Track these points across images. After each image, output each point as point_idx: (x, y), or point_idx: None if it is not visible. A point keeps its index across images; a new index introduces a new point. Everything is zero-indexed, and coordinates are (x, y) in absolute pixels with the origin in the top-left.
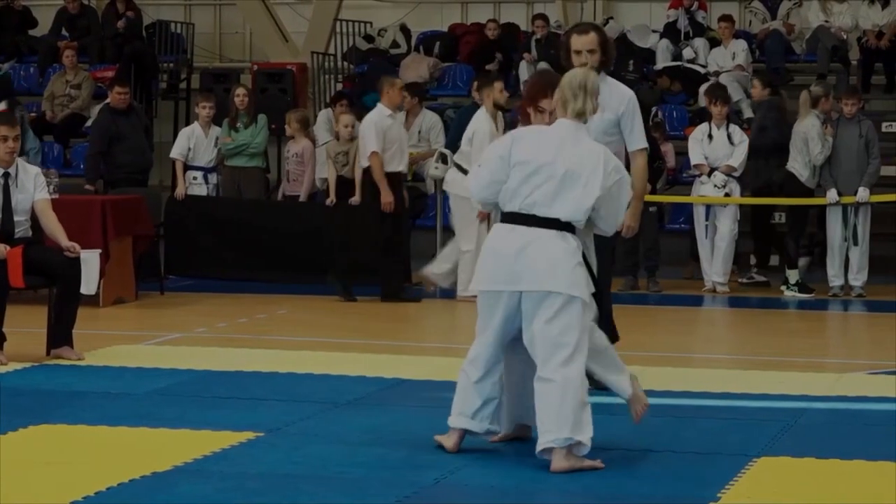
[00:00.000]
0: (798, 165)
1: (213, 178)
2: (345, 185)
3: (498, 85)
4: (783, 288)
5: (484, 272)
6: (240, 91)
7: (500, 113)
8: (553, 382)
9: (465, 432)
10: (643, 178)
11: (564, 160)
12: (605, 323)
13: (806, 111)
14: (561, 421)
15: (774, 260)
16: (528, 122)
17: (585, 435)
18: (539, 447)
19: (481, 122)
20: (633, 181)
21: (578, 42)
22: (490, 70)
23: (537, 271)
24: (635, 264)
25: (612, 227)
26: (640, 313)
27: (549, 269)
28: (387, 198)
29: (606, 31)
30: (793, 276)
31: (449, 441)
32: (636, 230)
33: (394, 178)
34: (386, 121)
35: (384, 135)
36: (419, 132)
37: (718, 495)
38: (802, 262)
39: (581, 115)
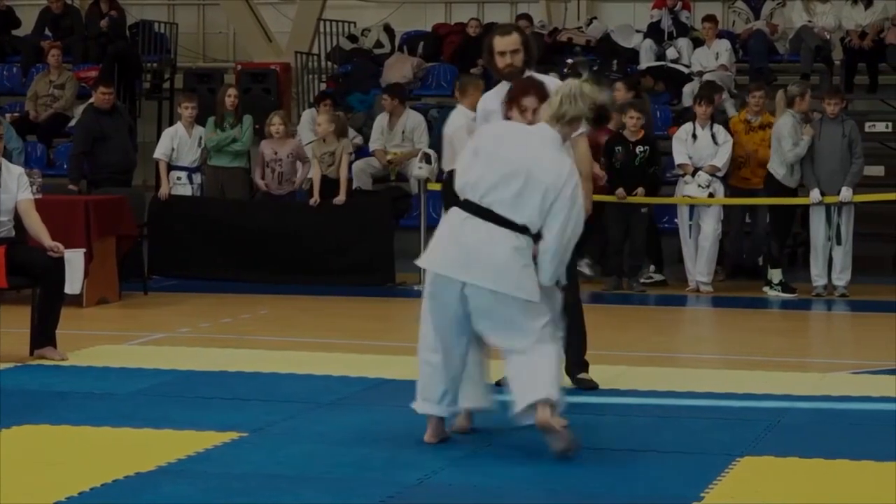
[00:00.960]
0: (775, 164)
1: (196, 178)
2: (329, 184)
3: None
4: (766, 288)
5: (437, 254)
6: (231, 91)
7: None
8: (525, 353)
9: (440, 419)
10: (588, 160)
11: (526, 163)
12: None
13: (781, 110)
14: (532, 382)
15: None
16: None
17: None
18: (521, 406)
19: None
20: (579, 165)
21: (501, 43)
22: (473, 73)
23: (487, 268)
24: (620, 264)
25: (557, 237)
26: (624, 313)
27: (498, 269)
28: None
29: (590, 30)
30: (776, 275)
31: (426, 433)
32: (590, 211)
33: None
34: (472, 125)
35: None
36: (403, 132)
37: (702, 495)
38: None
39: (559, 119)
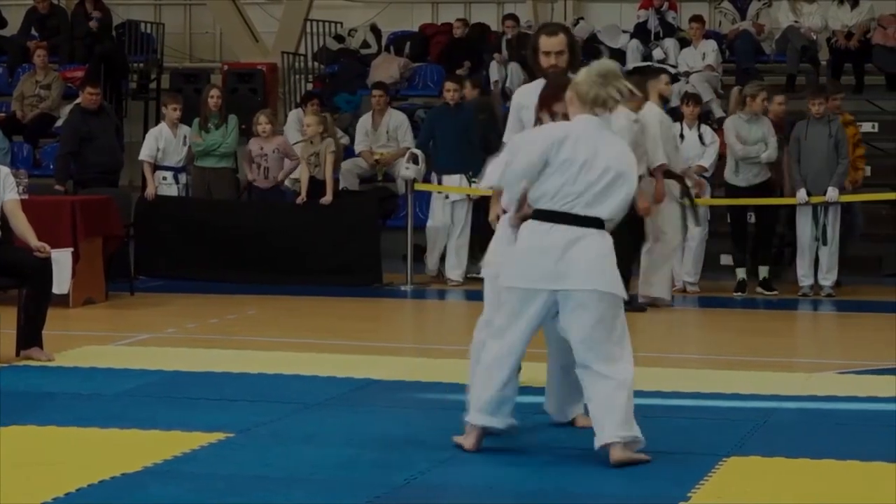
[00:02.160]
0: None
1: (182, 177)
2: (316, 185)
3: (664, 77)
4: (759, 288)
5: (521, 269)
6: (214, 92)
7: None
8: (610, 379)
9: (484, 430)
10: None
11: (604, 158)
12: None
13: (732, 110)
14: (624, 418)
15: (727, 259)
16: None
17: (638, 430)
18: (602, 441)
19: (652, 116)
20: None
21: (547, 43)
22: (460, 73)
23: (581, 270)
24: None
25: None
26: None
27: (593, 268)
28: (642, 202)
29: (577, 31)
30: (739, 273)
31: (469, 441)
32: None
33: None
34: (633, 125)
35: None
36: (387, 132)
37: (688, 495)
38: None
39: (602, 103)
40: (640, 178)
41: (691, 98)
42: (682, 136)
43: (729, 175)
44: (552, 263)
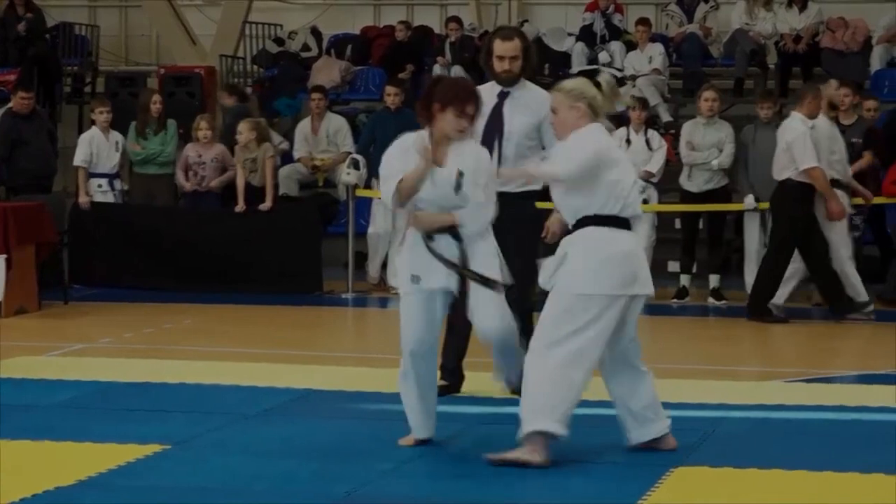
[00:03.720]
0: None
1: (117, 184)
2: (252, 191)
3: (834, 83)
4: (709, 298)
5: (612, 276)
6: (156, 98)
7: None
8: (649, 374)
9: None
10: None
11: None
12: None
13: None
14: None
15: (675, 266)
16: (431, 124)
17: None
18: (658, 433)
19: (822, 126)
20: None
21: (501, 48)
22: (402, 78)
23: (647, 275)
24: None
25: None
26: None
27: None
28: (837, 206)
29: None
30: (682, 279)
31: (540, 455)
32: None
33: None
34: (811, 132)
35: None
36: (327, 136)
37: None
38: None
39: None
40: (839, 182)
41: (638, 102)
42: (628, 140)
43: (683, 180)
44: (636, 268)
